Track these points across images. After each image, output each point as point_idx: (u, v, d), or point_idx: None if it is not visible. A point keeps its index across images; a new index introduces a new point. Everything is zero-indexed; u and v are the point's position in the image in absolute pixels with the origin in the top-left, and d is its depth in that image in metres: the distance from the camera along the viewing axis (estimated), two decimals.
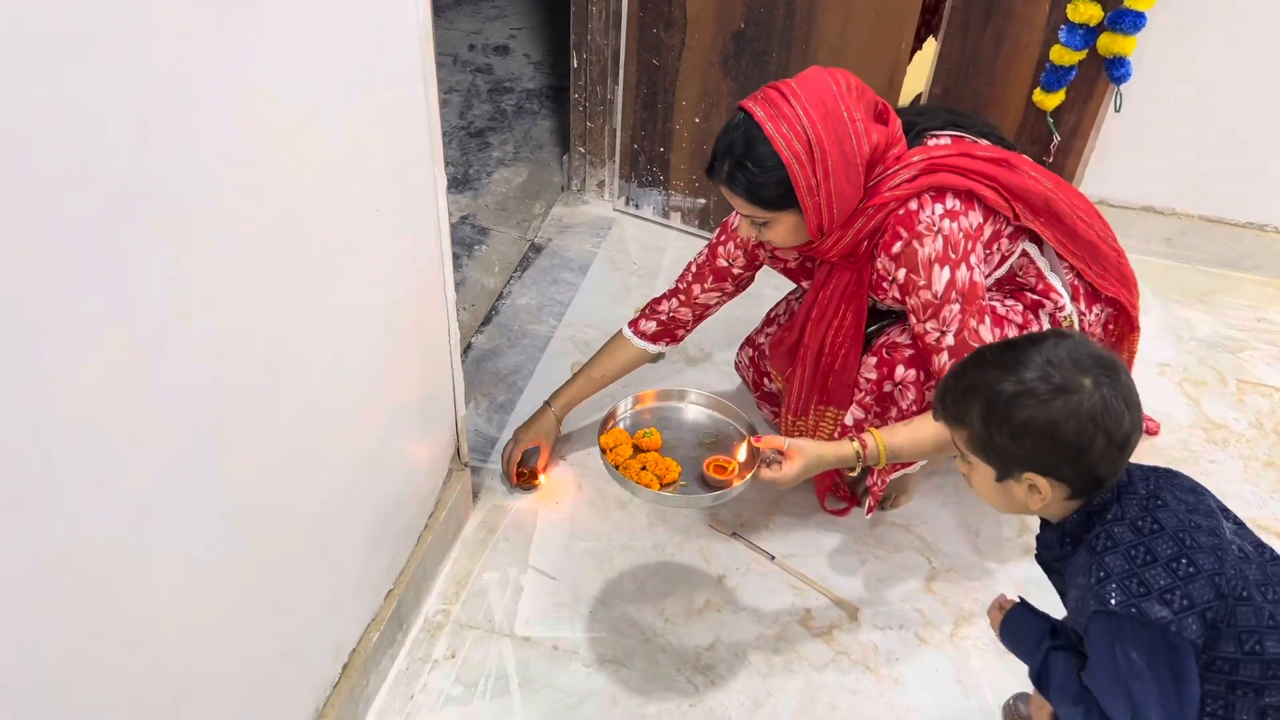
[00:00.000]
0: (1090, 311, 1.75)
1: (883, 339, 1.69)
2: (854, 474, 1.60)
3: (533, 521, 1.90)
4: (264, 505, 1.18)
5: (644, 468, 1.59)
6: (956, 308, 1.52)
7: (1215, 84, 2.37)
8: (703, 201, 2.57)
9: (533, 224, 2.70)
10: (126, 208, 0.83)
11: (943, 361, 1.57)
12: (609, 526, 1.91)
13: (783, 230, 1.54)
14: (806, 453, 1.50)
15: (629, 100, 2.49)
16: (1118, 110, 2.10)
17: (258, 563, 1.20)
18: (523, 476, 1.94)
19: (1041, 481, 1.15)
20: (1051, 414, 1.11)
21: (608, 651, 1.70)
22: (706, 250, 1.80)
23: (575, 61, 2.50)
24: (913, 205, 1.50)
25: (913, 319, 1.57)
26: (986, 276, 1.64)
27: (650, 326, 1.86)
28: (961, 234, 1.51)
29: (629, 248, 2.60)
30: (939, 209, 1.51)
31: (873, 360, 1.68)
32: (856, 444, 1.52)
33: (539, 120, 3.11)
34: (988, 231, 1.58)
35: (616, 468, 1.56)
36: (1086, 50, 2.00)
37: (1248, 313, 2.50)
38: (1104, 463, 1.13)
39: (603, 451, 1.59)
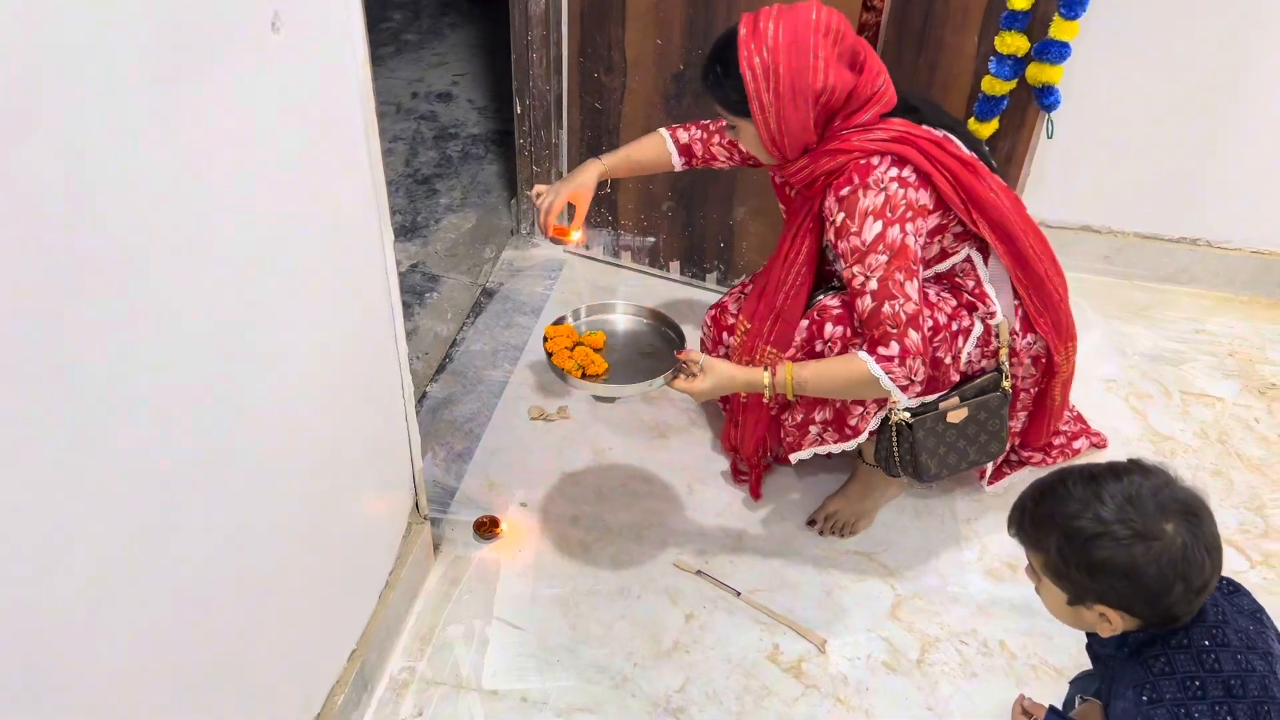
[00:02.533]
0: (1025, 336, 1.80)
1: (814, 305, 1.76)
2: (767, 400, 1.72)
3: (496, 571, 1.89)
4: (218, 572, 1.16)
5: (570, 357, 1.71)
6: (883, 258, 1.58)
7: (1141, 107, 2.45)
8: (651, 239, 2.59)
9: (483, 269, 2.70)
10: (66, 282, 0.82)
11: (865, 305, 1.60)
12: (573, 571, 1.89)
13: (747, 137, 1.67)
14: (719, 372, 1.65)
15: (574, 144, 2.51)
16: (1050, 137, 2.16)
17: (214, 630, 1.18)
18: (559, 231, 1.88)
19: (1113, 614, 1.16)
20: (1131, 558, 1.10)
21: (577, 700, 1.68)
22: None
23: (519, 107, 2.52)
24: (874, 160, 1.60)
25: (842, 264, 1.63)
26: (924, 260, 1.70)
27: (682, 136, 1.94)
28: (904, 202, 1.59)
29: (581, 288, 2.61)
30: (893, 171, 1.59)
31: (804, 323, 1.75)
32: (767, 371, 1.64)
33: (485, 165, 3.12)
34: (933, 220, 1.65)
35: (550, 355, 1.71)
36: (1016, 80, 2.06)
37: (1186, 325, 2.57)
38: (1180, 605, 1.13)
39: (545, 339, 1.74)
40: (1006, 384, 1.79)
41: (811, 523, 2.00)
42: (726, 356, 2.00)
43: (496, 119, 3.34)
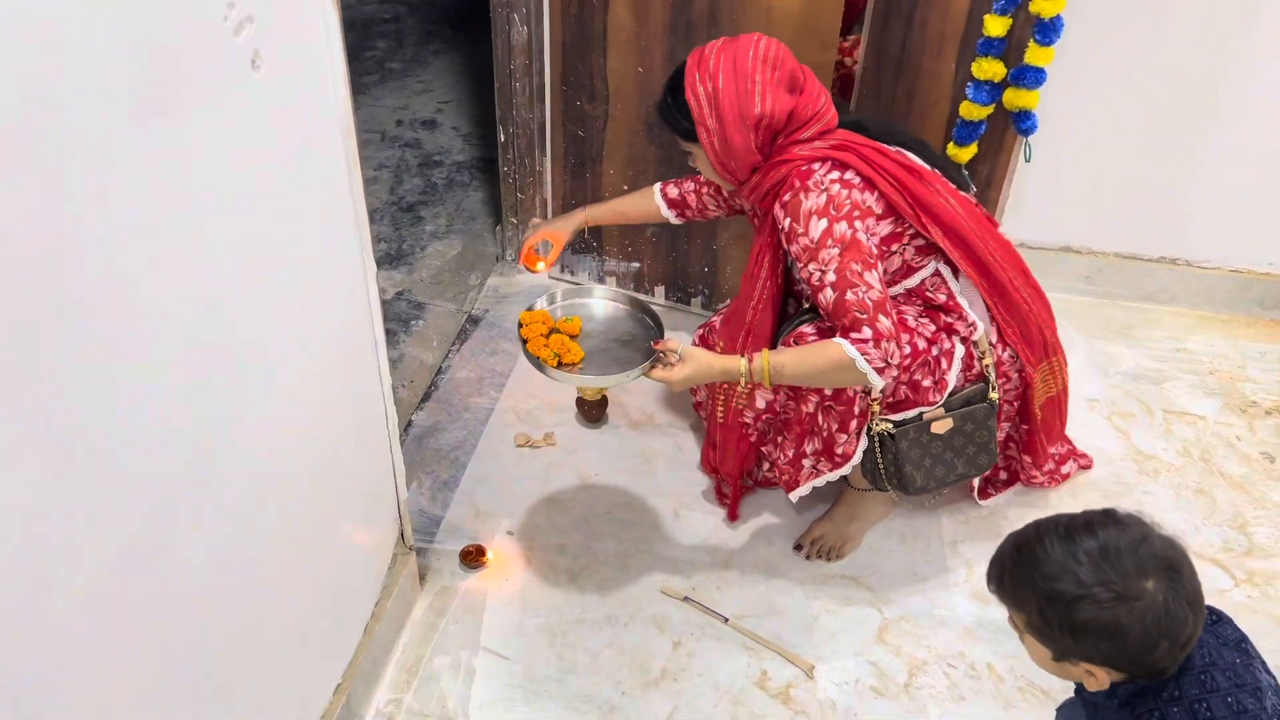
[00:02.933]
0: (1005, 350, 1.81)
1: (791, 334, 1.77)
2: (741, 388, 1.76)
3: (482, 601, 1.88)
4: (200, 605, 1.16)
5: (546, 345, 1.72)
6: (836, 251, 1.61)
7: (1118, 129, 2.48)
8: (636, 265, 2.60)
9: (469, 296, 2.71)
10: (46, 319, 0.83)
11: (828, 297, 1.62)
12: (560, 600, 1.89)
13: (701, 162, 1.75)
14: (697, 359, 1.67)
15: (557, 171, 2.52)
16: (1027, 160, 2.18)
17: (198, 663, 1.17)
18: (532, 260, 1.98)
19: (1099, 670, 1.15)
20: (1114, 619, 1.09)
21: None
22: None
23: (502, 135, 2.53)
24: (815, 166, 1.66)
25: (798, 265, 1.67)
26: (887, 272, 1.73)
27: (673, 191, 2.03)
28: (849, 201, 1.63)
29: None
30: (834, 174, 1.65)
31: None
32: (744, 359, 1.66)
33: (470, 192, 3.13)
34: (885, 227, 1.69)
35: (525, 342, 1.72)
36: (993, 105, 2.08)
37: (1168, 344, 2.59)
38: (1166, 659, 1.12)
39: (519, 325, 1.76)
40: (994, 395, 1.79)
41: (798, 547, 2.00)
42: None
43: (481, 146, 3.36)
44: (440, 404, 2.34)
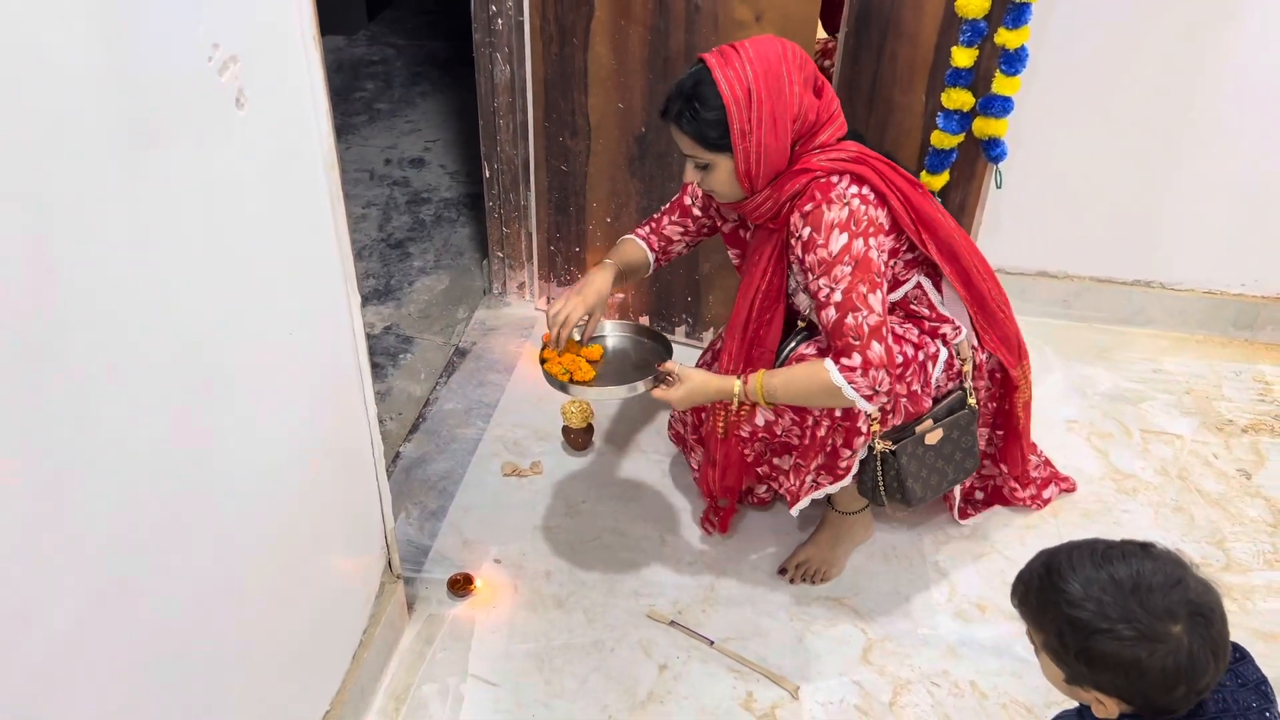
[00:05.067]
0: (984, 351, 1.87)
1: (794, 355, 1.80)
2: (734, 408, 1.80)
3: (470, 628, 1.89)
4: (186, 636, 1.17)
5: (559, 362, 1.82)
6: (848, 269, 1.62)
7: (1089, 154, 2.54)
8: (621, 294, 2.64)
9: (457, 329, 2.74)
10: (31, 349, 0.85)
11: (830, 316, 1.63)
12: (547, 626, 1.91)
13: (720, 176, 1.66)
14: (693, 379, 1.73)
15: (541, 205, 2.57)
16: (999, 187, 2.23)
17: (185, 692, 1.19)
18: (571, 346, 1.83)
19: (1110, 701, 1.13)
20: (1134, 657, 1.07)
21: None
22: (680, 189, 1.95)
23: (487, 171, 2.58)
24: (834, 179, 1.65)
25: (809, 277, 1.66)
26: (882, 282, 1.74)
27: (644, 230, 1.96)
28: (866, 218, 1.64)
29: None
30: (853, 189, 1.65)
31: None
32: (739, 379, 1.72)
33: (458, 228, 3.18)
34: (887, 244, 1.70)
35: (544, 361, 1.82)
36: (963, 134, 2.14)
37: (1144, 365, 2.63)
38: (1180, 703, 1.10)
39: (543, 346, 1.85)
40: (972, 400, 1.85)
41: (783, 571, 2.02)
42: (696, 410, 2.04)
43: (468, 182, 3.42)
44: (428, 435, 2.36)
